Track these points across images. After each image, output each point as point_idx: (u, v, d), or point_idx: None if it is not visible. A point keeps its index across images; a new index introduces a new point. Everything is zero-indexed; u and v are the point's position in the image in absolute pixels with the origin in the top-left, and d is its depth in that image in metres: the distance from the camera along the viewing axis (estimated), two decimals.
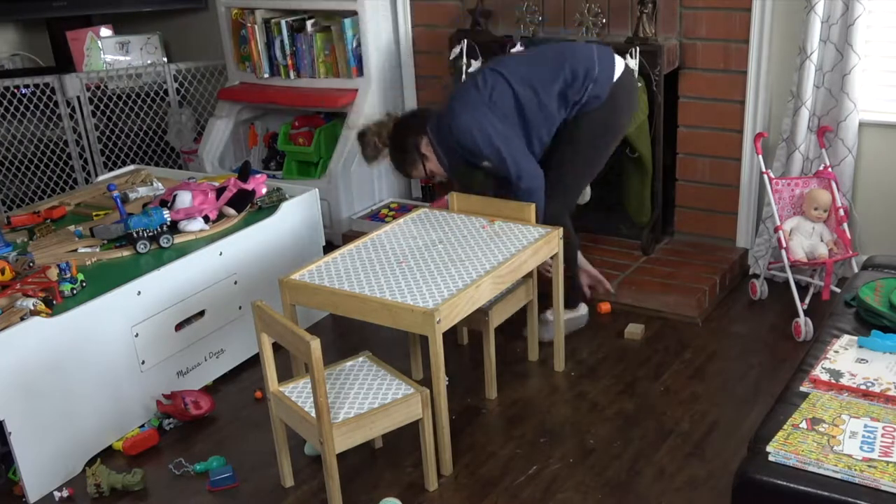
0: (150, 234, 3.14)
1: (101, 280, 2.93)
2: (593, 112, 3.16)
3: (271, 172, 4.55)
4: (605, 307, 3.57)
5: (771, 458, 1.83)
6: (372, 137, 3.28)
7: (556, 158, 3.21)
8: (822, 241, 3.34)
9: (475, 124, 3.07)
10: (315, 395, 2.31)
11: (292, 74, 4.41)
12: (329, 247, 3.82)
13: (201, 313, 3.16)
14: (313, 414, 2.38)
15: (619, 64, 3.22)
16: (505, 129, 3.10)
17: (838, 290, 3.24)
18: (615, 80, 3.17)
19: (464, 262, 2.78)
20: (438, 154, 3.22)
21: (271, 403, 2.59)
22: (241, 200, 3.42)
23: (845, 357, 2.16)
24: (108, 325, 2.83)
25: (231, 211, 3.39)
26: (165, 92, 4.77)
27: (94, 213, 3.50)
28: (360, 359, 2.73)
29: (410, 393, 2.51)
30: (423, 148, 3.22)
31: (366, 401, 2.50)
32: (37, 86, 4.49)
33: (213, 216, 3.35)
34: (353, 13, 4.22)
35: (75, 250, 3.15)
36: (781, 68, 3.57)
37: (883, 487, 1.71)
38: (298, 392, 2.56)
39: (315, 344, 2.24)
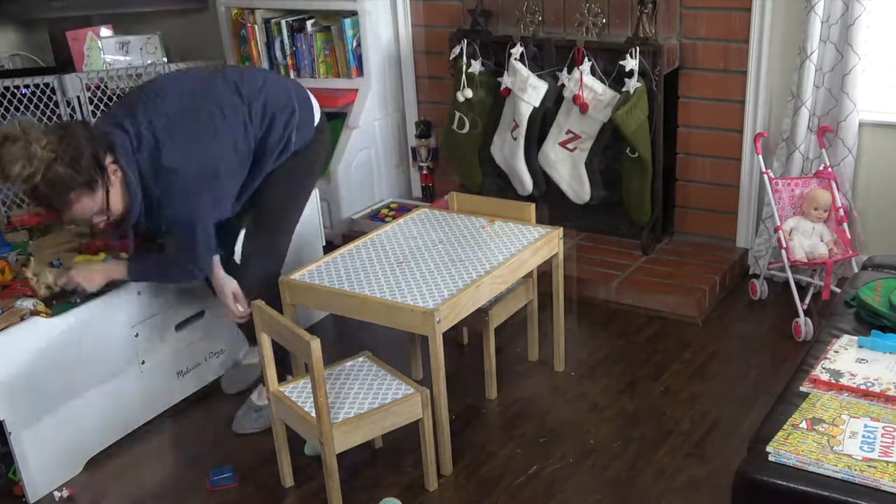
0: None
1: None
2: None
3: None
4: None
5: (771, 458, 1.83)
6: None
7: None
8: (822, 241, 3.33)
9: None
10: (315, 395, 2.31)
11: (292, 74, 4.41)
12: (329, 247, 3.82)
13: (201, 313, 3.16)
14: (313, 414, 2.38)
15: None
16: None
17: (838, 290, 3.24)
18: None
19: (464, 262, 2.78)
20: (131, 185, 2.55)
21: (271, 403, 2.59)
22: None
23: (845, 357, 2.16)
24: (108, 325, 2.83)
25: None
26: None
27: None
28: (360, 359, 2.72)
29: (410, 393, 2.51)
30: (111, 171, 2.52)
31: (366, 401, 2.49)
32: (37, 86, 4.48)
33: None
34: (353, 13, 4.22)
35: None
36: (781, 68, 3.57)
37: (883, 487, 1.71)
38: (298, 392, 2.56)
39: (315, 344, 2.24)
